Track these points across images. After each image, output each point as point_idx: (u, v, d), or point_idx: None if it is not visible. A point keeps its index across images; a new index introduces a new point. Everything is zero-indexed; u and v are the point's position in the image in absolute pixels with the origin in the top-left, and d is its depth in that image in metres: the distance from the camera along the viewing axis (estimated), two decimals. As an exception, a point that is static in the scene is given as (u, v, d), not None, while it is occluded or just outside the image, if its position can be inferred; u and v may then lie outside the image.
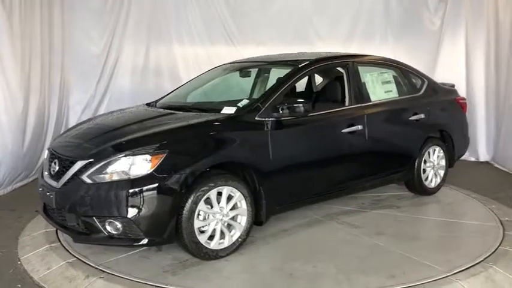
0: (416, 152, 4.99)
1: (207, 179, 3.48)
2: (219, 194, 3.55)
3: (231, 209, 3.62)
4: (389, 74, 5.00)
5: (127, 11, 7.13)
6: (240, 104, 3.99)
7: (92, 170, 3.35)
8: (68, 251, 3.68)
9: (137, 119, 4.09)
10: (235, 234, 3.66)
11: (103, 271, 3.33)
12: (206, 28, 7.35)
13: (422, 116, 4.97)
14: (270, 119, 3.81)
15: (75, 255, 3.58)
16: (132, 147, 3.39)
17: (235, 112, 3.87)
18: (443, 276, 3.28)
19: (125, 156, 3.33)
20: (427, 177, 5.15)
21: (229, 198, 3.60)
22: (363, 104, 4.53)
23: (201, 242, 3.46)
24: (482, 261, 3.53)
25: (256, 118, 3.79)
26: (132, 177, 3.27)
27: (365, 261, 3.56)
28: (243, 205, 3.65)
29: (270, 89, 4.17)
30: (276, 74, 4.58)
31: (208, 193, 3.46)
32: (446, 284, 3.21)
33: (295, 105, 3.80)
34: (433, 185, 5.22)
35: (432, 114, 5.10)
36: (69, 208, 3.40)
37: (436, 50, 7.31)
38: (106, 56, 7.15)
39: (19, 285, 3.31)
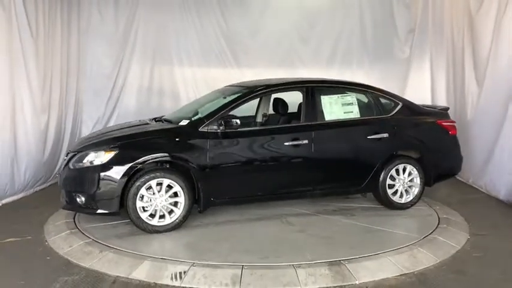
0: (377, 167, 5.30)
1: (149, 171, 4.58)
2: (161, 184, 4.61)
3: (172, 196, 4.64)
4: (352, 97, 5.37)
5: (134, 38, 7.99)
6: (193, 118, 4.99)
7: (74, 160, 4.68)
8: (85, 234, 4.61)
9: (124, 127, 5.29)
10: (174, 216, 4.68)
11: (112, 247, 4.26)
12: (203, 53, 8.19)
13: (385, 135, 5.30)
14: (211, 130, 4.76)
15: (91, 237, 4.51)
16: (99, 145, 4.69)
17: (186, 124, 4.89)
18: (308, 262, 3.88)
19: (92, 151, 4.61)
20: (396, 193, 5.41)
21: (170, 187, 4.63)
22: (313, 122, 5.13)
23: (143, 217, 4.58)
24: (410, 244, 4.36)
25: (199, 129, 4.78)
26: (93, 166, 4.52)
27: (259, 246, 4.28)
28: (182, 195, 4.66)
29: (217, 108, 4.99)
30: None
31: (149, 182, 4.55)
32: (378, 258, 4.06)
33: (232, 120, 4.73)
34: (403, 200, 5.44)
35: (399, 134, 5.38)
36: (63, 185, 4.77)
37: (406, 75, 8.27)
38: (115, 77, 7.97)
39: (48, 258, 4.23)
